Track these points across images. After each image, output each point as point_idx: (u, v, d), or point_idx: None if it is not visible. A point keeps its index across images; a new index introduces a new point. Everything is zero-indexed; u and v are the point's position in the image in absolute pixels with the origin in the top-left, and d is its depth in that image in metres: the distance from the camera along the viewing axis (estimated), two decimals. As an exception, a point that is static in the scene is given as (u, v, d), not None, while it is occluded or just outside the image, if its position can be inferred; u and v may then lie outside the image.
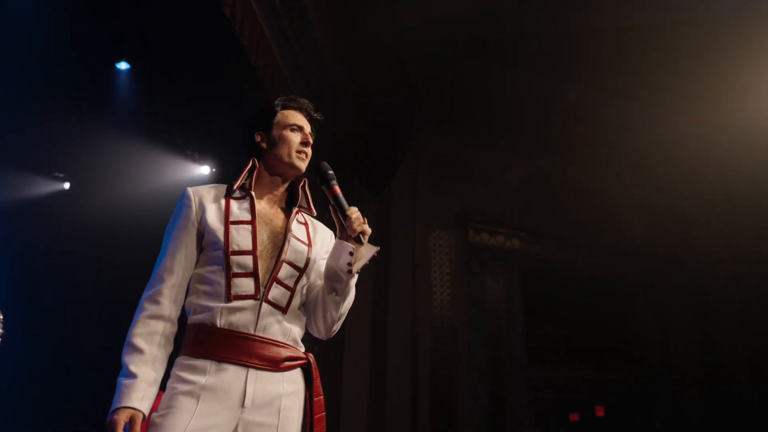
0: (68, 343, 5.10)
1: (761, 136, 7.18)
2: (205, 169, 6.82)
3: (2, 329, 4.22)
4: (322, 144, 7.02)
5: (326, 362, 6.33)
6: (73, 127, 5.76)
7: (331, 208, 1.66)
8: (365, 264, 1.63)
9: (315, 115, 1.82)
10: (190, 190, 1.68)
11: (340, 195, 1.65)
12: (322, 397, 1.65)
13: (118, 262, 5.50)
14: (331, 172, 1.70)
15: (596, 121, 8.32)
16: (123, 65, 5.50)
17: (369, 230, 1.62)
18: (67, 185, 6.88)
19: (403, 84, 6.92)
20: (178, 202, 1.68)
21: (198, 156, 6.73)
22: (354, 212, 1.62)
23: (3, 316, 4.22)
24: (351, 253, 1.61)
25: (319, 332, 1.73)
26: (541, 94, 7.96)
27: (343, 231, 1.63)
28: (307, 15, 5.64)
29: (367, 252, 1.62)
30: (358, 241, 1.60)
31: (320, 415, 1.62)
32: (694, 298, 8.76)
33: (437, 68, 7.66)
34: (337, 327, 1.72)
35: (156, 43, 5.11)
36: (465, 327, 7.29)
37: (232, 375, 1.49)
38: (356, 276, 1.66)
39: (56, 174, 6.81)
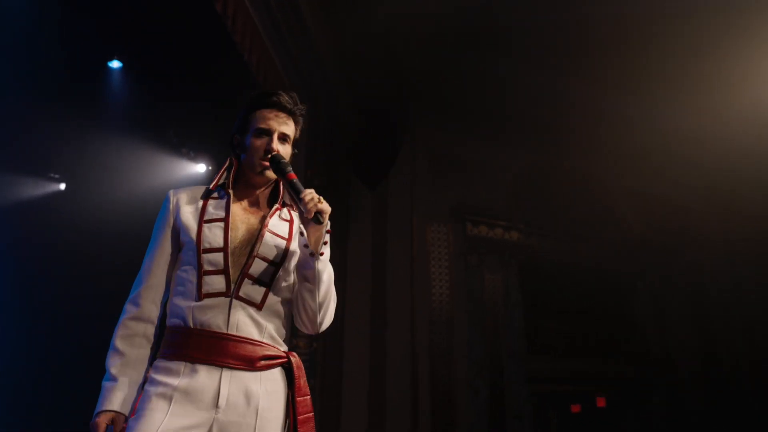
0: (65, 343, 5.09)
1: (759, 124, 7.17)
2: (201, 168, 6.80)
3: (-2, 331, 4.21)
4: (317, 140, 6.95)
5: (325, 358, 6.33)
6: (67, 128, 5.74)
7: (288, 195, 1.65)
8: (325, 243, 1.58)
9: (293, 108, 1.73)
10: (171, 192, 1.70)
11: (296, 180, 1.61)
12: (308, 397, 1.59)
13: (115, 262, 5.47)
14: (284, 160, 1.65)
15: (593, 112, 8.30)
16: (115, 64, 5.47)
17: (328, 208, 1.57)
18: (62, 186, 6.87)
19: (398, 78, 6.89)
20: None
21: (194, 154, 6.70)
22: (308, 193, 1.57)
23: (0, 317, 4.22)
24: (302, 234, 1.59)
25: (305, 326, 1.67)
26: (538, 86, 7.94)
27: (302, 215, 1.60)
28: (300, 10, 5.60)
29: (314, 232, 1.57)
30: (316, 221, 1.55)
31: (306, 415, 1.56)
32: (693, 289, 8.77)
33: (432, 62, 7.62)
34: (322, 319, 1.65)
35: (148, 40, 5.07)
36: (463, 321, 7.29)
37: (205, 376, 1.48)
38: (324, 260, 1.60)
39: (52, 175, 6.79)
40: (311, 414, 1.58)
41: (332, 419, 6.17)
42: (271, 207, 1.72)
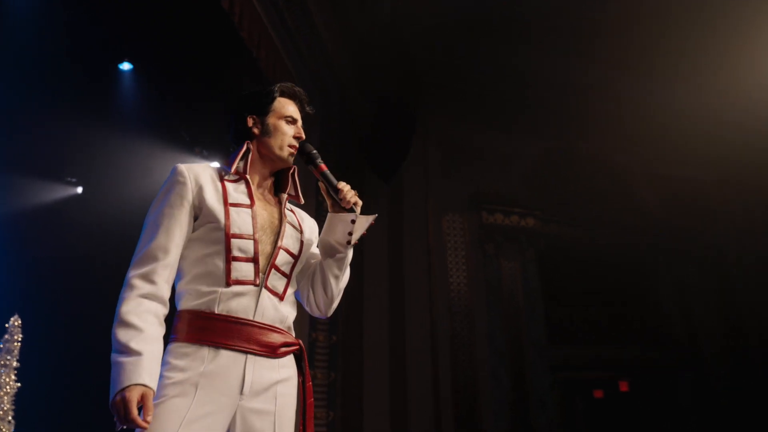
0: (86, 347, 5.13)
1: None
2: (215, 165, 6.81)
3: (21, 334, 4.25)
4: (330, 132, 6.90)
5: (345, 350, 6.34)
6: (81, 131, 5.77)
7: (320, 185, 1.68)
8: (363, 234, 1.67)
9: (307, 108, 1.80)
10: (182, 166, 1.62)
11: (328, 171, 1.68)
12: (311, 383, 1.65)
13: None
14: (315, 151, 1.71)
15: (609, 95, 8.18)
16: (126, 66, 5.50)
17: (360, 201, 1.65)
18: (80, 189, 6.92)
19: (409, 68, 6.84)
20: (168, 177, 1.61)
21: (207, 153, 6.71)
22: (345, 185, 1.65)
23: (21, 321, 4.26)
24: (353, 221, 1.64)
25: (319, 309, 1.71)
26: (552, 71, 7.84)
27: (335, 205, 1.65)
28: (307, 3, 5.58)
29: (363, 222, 1.66)
30: (351, 211, 1.64)
31: (311, 400, 1.62)
32: (716, 266, 8.63)
33: (444, 51, 7.55)
34: (335, 304, 1.73)
35: (157, 41, 5.08)
36: (483, 310, 7.26)
37: (230, 361, 1.47)
38: (352, 249, 1.68)
39: (68, 179, 6.84)
40: (313, 400, 1.64)
41: (354, 411, 6.18)
42: (275, 193, 1.74)
